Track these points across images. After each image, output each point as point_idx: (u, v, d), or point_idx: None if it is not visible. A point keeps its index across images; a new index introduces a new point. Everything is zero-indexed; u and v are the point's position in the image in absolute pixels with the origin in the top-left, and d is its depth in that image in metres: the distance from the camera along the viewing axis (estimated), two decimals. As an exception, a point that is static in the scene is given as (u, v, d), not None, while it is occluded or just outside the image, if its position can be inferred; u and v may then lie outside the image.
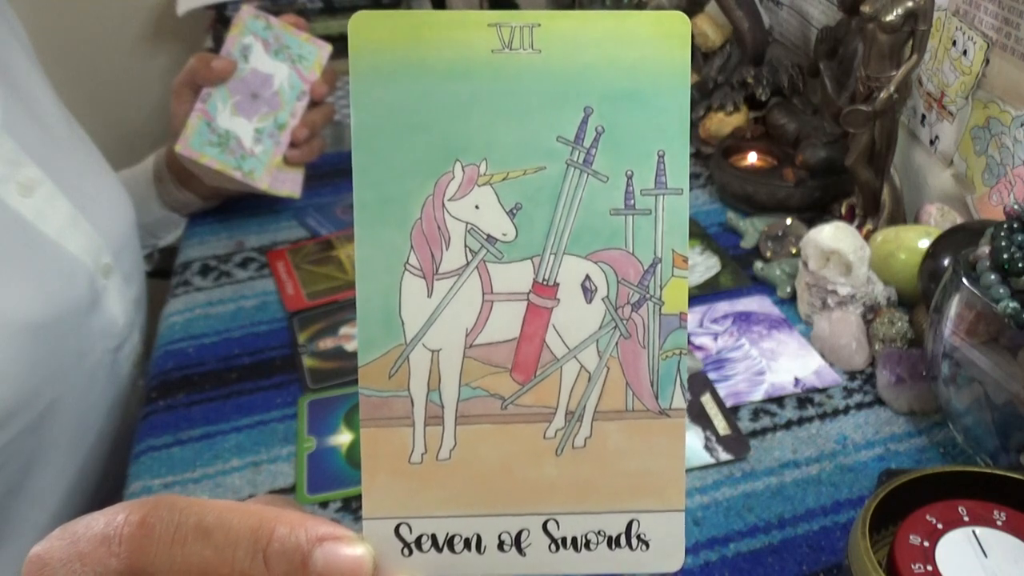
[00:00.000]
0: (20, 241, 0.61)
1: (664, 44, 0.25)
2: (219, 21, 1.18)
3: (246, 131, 0.80)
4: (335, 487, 0.55)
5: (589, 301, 0.26)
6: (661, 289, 0.26)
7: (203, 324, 0.72)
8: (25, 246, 0.61)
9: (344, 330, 0.70)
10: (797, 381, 0.62)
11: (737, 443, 0.57)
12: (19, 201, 0.62)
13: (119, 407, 0.71)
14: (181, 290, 0.77)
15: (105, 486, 0.70)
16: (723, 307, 0.70)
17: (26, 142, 0.64)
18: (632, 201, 0.26)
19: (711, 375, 0.63)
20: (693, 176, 0.90)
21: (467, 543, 0.26)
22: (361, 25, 0.25)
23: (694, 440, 0.57)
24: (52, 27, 1.31)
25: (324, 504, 0.54)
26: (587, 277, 0.26)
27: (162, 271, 0.88)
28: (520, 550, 0.27)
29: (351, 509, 0.54)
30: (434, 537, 0.26)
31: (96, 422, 0.68)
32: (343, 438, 0.59)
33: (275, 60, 0.81)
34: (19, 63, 0.70)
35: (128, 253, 0.74)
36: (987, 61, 0.66)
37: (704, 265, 0.76)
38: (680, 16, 0.25)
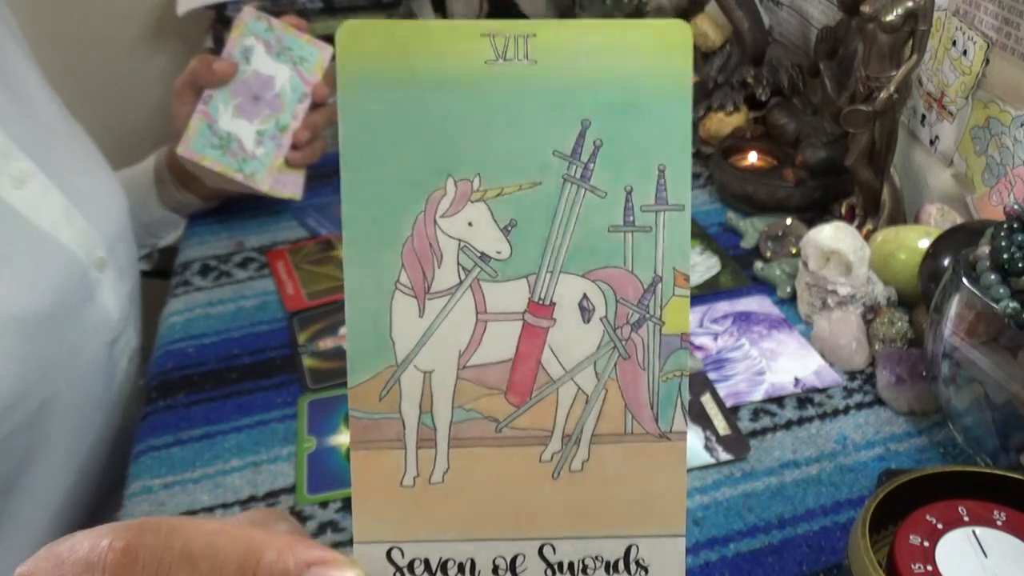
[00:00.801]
0: (12, 234, 0.61)
1: (665, 54, 0.24)
2: (219, 21, 1.18)
3: (247, 133, 0.80)
4: (335, 487, 0.55)
5: (587, 321, 0.25)
6: (661, 309, 0.25)
7: (203, 324, 0.72)
8: (18, 239, 0.61)
9: (344, 330, 0.70)
10: (797, 381, 0.62)
11: (737, 443, 0.57)
12: (11, 193, 0.61)
13: (116, 403, 0.71)
14: (181, 290, 0.77)
15: (104, 485, 0.70)
16: (723, 307, 0.70)
17: (18, 134, 0.64)
18: (631, 217, 0.25)
19: (711, 375, 0.63)
20: (693, 176, 0.90)
21: (461, 568, 0.26)
22: (350, 35, 0.24)
23: (694, 440, 0.57)
24: (52, 27, 1.31)
25: (324, 504, 0.54)
26: (585, 296, 0.25)
27: (162, 271, 0.88)
28: (515, 575, 0.26)
29: (351, 509, 0.54)
30: (427, 562, 0.26)
31: (93, 418, 0.68)
32: (343, 438, 0.59)
33: (276, 62, 0.81)
34: (11, 55, 0.70)
35: (122, 246, 0.74)
36: (987, 61, 0.66)
37: (704, 265, 0.76)
38: (681, 25, 0.24)
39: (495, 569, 0.26)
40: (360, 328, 0.25)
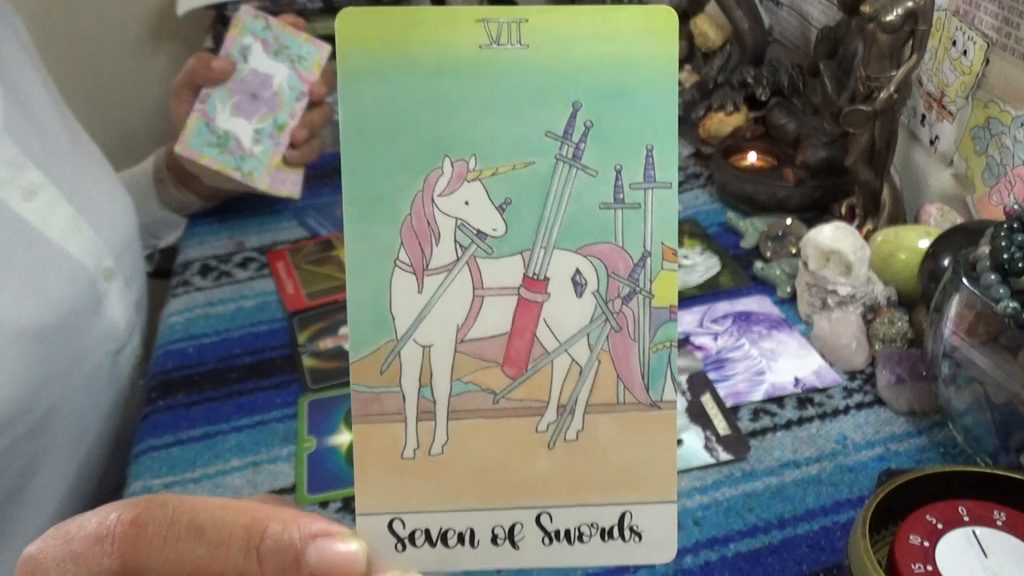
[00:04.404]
0: (22, 245, 0.61)
1: (651, 39, 0.25)
2: (219, 21, 1.18)
3: (245, 131, 0.80)
4: (335, 487, 0.55)
5: (579, 295, 0.26)
6: (651, 282, 0.26)
7: (203, 324, 0.72)
8: (27, 250, 0.61)
9: (344, 330, 0.70)
10: (797, 381, 0.62)
11: (737, 443, 0.57)
12: (21, 205, 0.62)
13: (119, 409, 0.71)
14: (181, 290, 0.77)
15: (104, 487, 0.70)
16: (723, 307, 0.70)
17: (27, 146, 0.64)
18: (621, 195, 0.26)
19: (711, 375, 0.63)
20: (693, 176, 0.90)
21: (460, 537, 0.26)
22: (348, 22, 0.25)
23: (694, 440, 0.57)
24: (52, 27, 1.31)
25: (324, 504, 0.54)
26: (577, 271, 0.26)
27: (162, 271, 0.88)
28: (513, 544, 0.27)
29: (351, 509, 0.54)
30: (427, 532, 0.26)
31: (96, 425, 0.68)
32: (343, 438, 0.59)
33: (274, 60, 0.81)
34: (19, 66, 0.70)
35: (129, 256, 0.74)
36: (987, 61, 0.66)
37: (704, 265, 0.76)
38: (667, 11, 0.25)
39: (494, 538, 0.27)
40: (361, 305, 0.26)
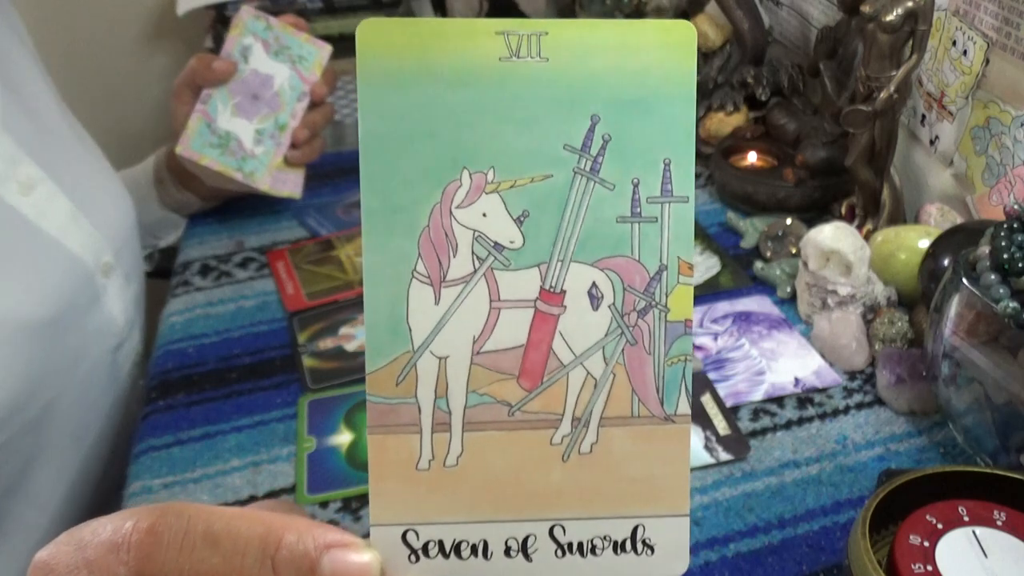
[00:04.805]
0: (20, 239, 0.61)
1: (670, 53, 0.25)
2: (219, 21, 1.18)
3: (246, 132, 0.80)
4: (335, 487, 0.55)
5: (595, 308, 0.26)
6: (667, 296, 0.26)
7: (203, 324, 0.72)
8: (25, 244, 0.61)
9: (344, 330, 0.70)
10: (797, 381, 0.62)
11: (737, 443, 0.57)
12: (19, 199, 0.61)
13: (119, 407, 0.71)
14: (181, 290, 0.77)
15: (104, 486, 0.70)
16: (723, 307, 0.70)
17: (25, 140, 0.64)
18: (638, 209, 0.26)
19: (711, 375, 0.63)
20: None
21: (474, 549, 0.27)
22: (369, 33, 0.25)
23: (694, 440, 0.57)
24: (52, 27, 1.31)
25: (324, 504, 0.54)
26: (594, 284, 0.26)
27: (162, 271, 0.88)
28: (527, 556, 0.27)
29: (351, 509, 0.54)
30: (441, 543, 0.26)
31: (95, 422, 0.68)
32: (343, 438, 0.59)
33: (275, 61, 0.81)
34: (18, 61, 0.70)
35: (128, 252, 0.74)
36: (987, 61, 0.66)
37: (704, 265, 0.76)
38: (686, 25, 0.25)
39: (507, 550, 0.27)
40: (378, 315, 0.26)
